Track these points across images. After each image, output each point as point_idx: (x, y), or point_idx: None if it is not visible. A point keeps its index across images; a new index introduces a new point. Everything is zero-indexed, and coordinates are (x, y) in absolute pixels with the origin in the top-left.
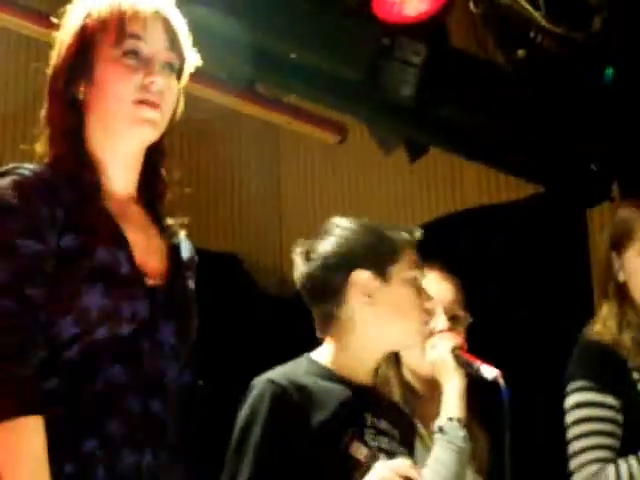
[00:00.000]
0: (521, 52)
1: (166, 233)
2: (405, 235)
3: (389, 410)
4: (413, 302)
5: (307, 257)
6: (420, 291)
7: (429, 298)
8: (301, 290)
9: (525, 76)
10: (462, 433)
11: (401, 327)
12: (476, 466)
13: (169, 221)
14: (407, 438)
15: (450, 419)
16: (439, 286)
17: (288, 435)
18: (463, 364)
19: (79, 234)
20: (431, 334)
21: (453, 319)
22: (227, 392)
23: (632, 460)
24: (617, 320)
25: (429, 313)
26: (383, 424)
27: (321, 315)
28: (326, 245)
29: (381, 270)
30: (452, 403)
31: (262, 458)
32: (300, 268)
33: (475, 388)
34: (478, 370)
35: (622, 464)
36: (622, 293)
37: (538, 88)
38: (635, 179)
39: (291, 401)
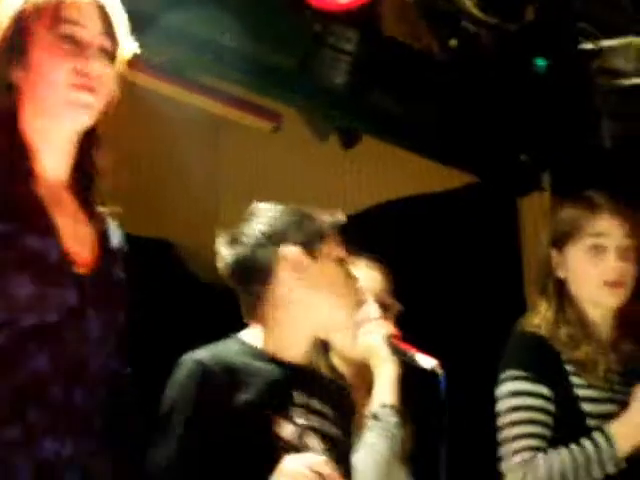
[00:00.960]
0: (453, 42)
1: (96, 220)
2: (331, 217)
3: (325, 390)
4: (344, 282)
5: (234, 241)
6: (349, 274)
7: (357, 281)
8: (229, 276)
9: (458, 66)
10: (395, 419)
11: (332, 305)
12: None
13: (100, 208)
14: (344, 419)
15: (384, 405)
16: (369, 275)
17: (214, 416)
18: (398, 352)
19: (8, 221)
20: (364, 321)
21: (383, 307)
22: (158, 381)
23: (563, 451)
24: (555, 316)
25: (360, 295)
26: (315, 403)
27: (249, 298)
28: (253, 226)
29: (310, 246)
30: (386, 390)
31: (186, 439)
32: (226, 254)
33: (402, 377)
34: (414, 359)
35: (554, 454)
36: (561, 289)
37: (471, 78)
38: (566, 170)
39: (217, 381)
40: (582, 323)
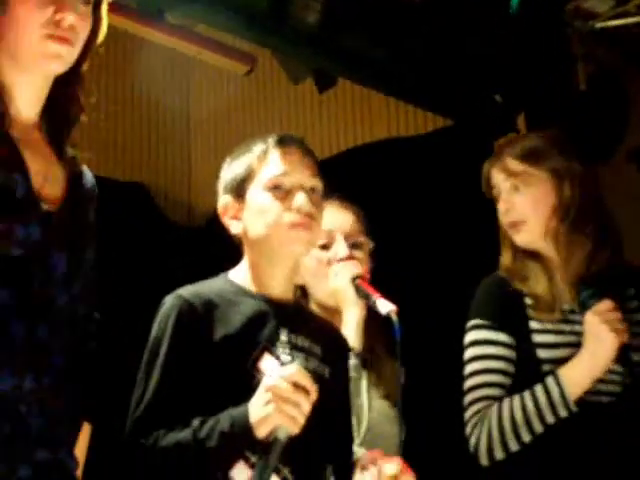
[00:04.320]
0: None
1: (66, 163)
2: (260, 146)
3: (312, 327)
4: (271, 205)
5: None
6: (287, 193)
7: (299, 199)
8: None
9: (432, 7)
10: (354, 361)
11: (270, 233)
12: (382, 392)
13: (71, 152)
14: (333, 357)
15: None
16: (338, 215)
17: (194, 349)
18: (362, 294)
19: None
20: (332, 261)
21: (355, 246)
22: (133, 323)
23: (515, 398)
24: (513, 254)
25: (295, 210)
26: (301, 340)
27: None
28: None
29: (238, 192)
30: (348, 332)
31: (169, 372)
32: None
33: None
34: (375, 303)
35: (505, 402)
36: None
37: (445, 19)
38: (541, 111)
39: (197, 315)
40: (539, 261)
